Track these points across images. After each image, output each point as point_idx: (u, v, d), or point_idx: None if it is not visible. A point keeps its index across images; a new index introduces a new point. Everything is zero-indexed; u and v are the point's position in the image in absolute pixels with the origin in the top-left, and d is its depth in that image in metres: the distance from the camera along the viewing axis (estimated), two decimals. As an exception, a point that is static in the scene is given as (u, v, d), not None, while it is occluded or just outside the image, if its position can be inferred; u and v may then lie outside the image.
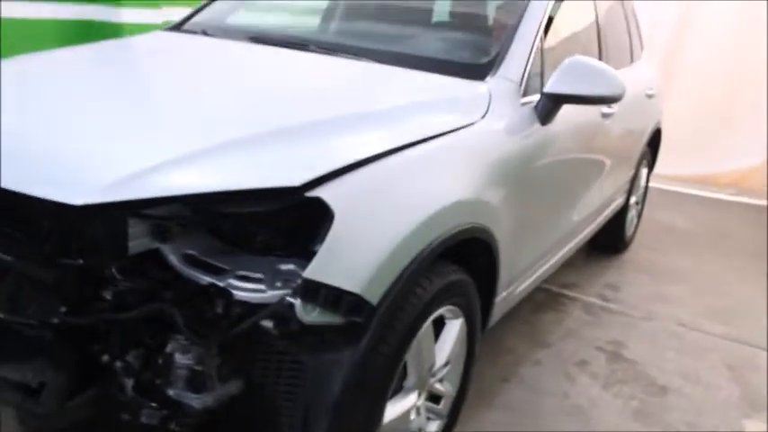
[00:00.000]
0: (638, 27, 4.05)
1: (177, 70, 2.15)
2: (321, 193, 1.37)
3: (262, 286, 1.39)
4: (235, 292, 1.38)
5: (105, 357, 1.45)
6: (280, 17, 3.31)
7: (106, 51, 2.44)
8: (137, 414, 1.42)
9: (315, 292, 1.35)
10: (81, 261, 1.40)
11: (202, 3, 3.04)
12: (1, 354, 1.50)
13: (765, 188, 5.95)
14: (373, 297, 1.43)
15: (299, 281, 1.35)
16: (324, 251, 1.35)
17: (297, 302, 1.35)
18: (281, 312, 1.36)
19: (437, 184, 1.69)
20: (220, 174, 1.37)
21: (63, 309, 1.40)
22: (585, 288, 3.57)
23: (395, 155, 1.58)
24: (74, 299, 1.41)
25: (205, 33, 2.64)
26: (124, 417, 1.46)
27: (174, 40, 2.60)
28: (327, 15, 3.02)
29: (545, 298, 3.34)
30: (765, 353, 3.04)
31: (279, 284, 1.39)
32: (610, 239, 3.99)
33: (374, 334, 1.47)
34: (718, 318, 3.36)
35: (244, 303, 1.38)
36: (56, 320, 1.40)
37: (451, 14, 2.85)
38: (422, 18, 2.73)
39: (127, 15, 4.68)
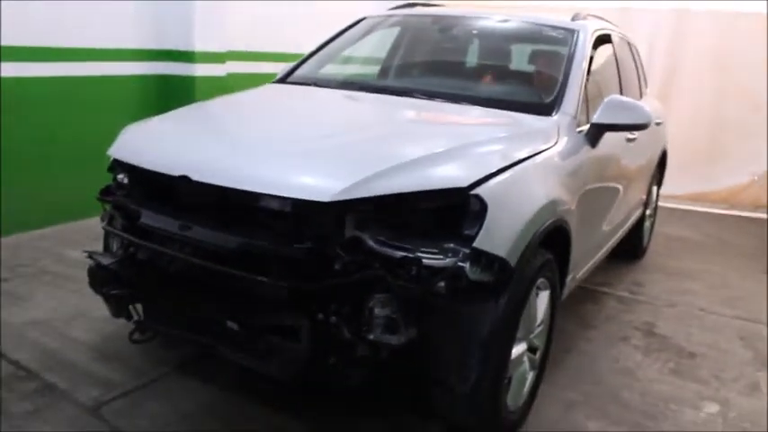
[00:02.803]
0: (642, 67, 4.82)
1: (326, 111, 2.88)
2: (478, 191, 2.05)
3: (440, 256, 2.04)
4: (424, 260, 2.02)
5: (320, 315, 2.09)
6: (358, 68, 4.04)
7: (264, 97, 3.19)
8: (354, 349, 2.06)
9: (479, 257, 2.02)
10: (310, 245, 2.06)
11: (299, 60, 3.70)
12: (252, 310, 2.13)
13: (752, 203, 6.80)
14: (512, 262, 2.10)
15: (468, 251, 2.01)
16: (483, 230, 2.03)
17: (466, 265, 2.01)
18: (456, 272, 2.01)
19: (538, 188, 2.38)
20: (413, 180, 2.05)
21: (299, 277, 2.04)
22: (615, 285, 4.27)
23: (513, 168, 2.27)
24: (308, 271, 2.06)
25: (316, 84, 3.34)
26: (332, 360, 2.09)
27: (298, 90, 3.30)
28: (404, 68, 3.75)
29: (584, 294, 4.01)
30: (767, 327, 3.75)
31: (450, 255, 2.05)
32: (630, 247, 4.68)
33: (510, 290, 2.13)
34: (727, 304, 4.07)
35: (429, 268, 2.02)
36: (301, 285, 2.03)
37: (504, 64, 3.59)
38: (487, 68, 3.47)
39: (199, 70, 5.39)
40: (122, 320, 3.21)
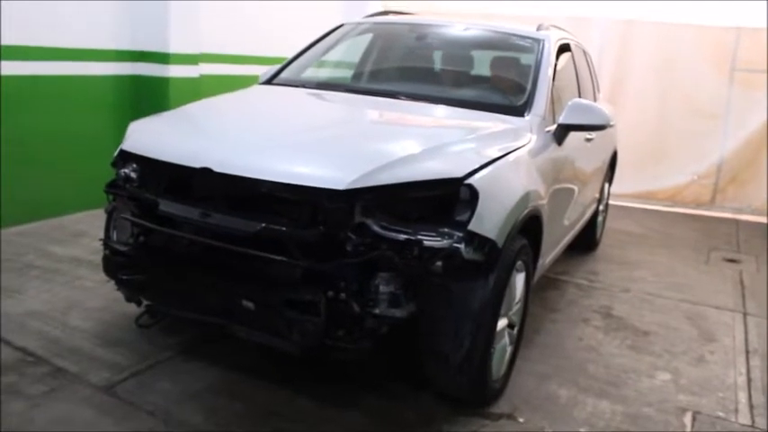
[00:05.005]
0: (595, 73, 5.22)
1: (325, 110, 3.14)
2: (470, 181, 2.33)
3: (438, 238, 2.30)
4: (424, 242, 2.28)
5: (330, 293, 2.32)
6: (335, 72, 4.30)
7: (260, 97, 3.44)
8: (362, 322, 2.30)
9: (472, 239, 2.29)
10: (322, 228, 2.29)
11: (283, 63, 3.92)
12: (271, 289, 2.34)
13: (693, 200, 7.34)
14: (499, 244, 2.38)
15: (462, 234, 2.28)
16: (476, 215, 2.30)
17: (461, 246, 2.28)
18: (452, 252, 2.27)
19: (518, 179, 2.68)
20: (414, 171, 2.31)
21: (315, 257, 2.27)
22: (574, 274, 4.64)
23: (498, 161, 2.56)
24: (322, 252, 2.29)
25: (304, 86, 3.57)
26: (340, 333, 2.33)
27: (290, 92, 3.53)
28: (391, 73, 4.02)
29: (547, 282, 4.35)
30: (710, 308, 4.17)
31: (446, 237, 2.31)
32: (585, 240, 5.06)
33: (497, 269, 2.42)
34: (674, 289, 4.48)
35: (428, 249, 2.28)
36: (316, 265, 2.26)
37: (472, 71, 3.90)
38: (465, 74, 3.78)
39: (173, 71, 5.54)
40: (119, 309, 3.40)
